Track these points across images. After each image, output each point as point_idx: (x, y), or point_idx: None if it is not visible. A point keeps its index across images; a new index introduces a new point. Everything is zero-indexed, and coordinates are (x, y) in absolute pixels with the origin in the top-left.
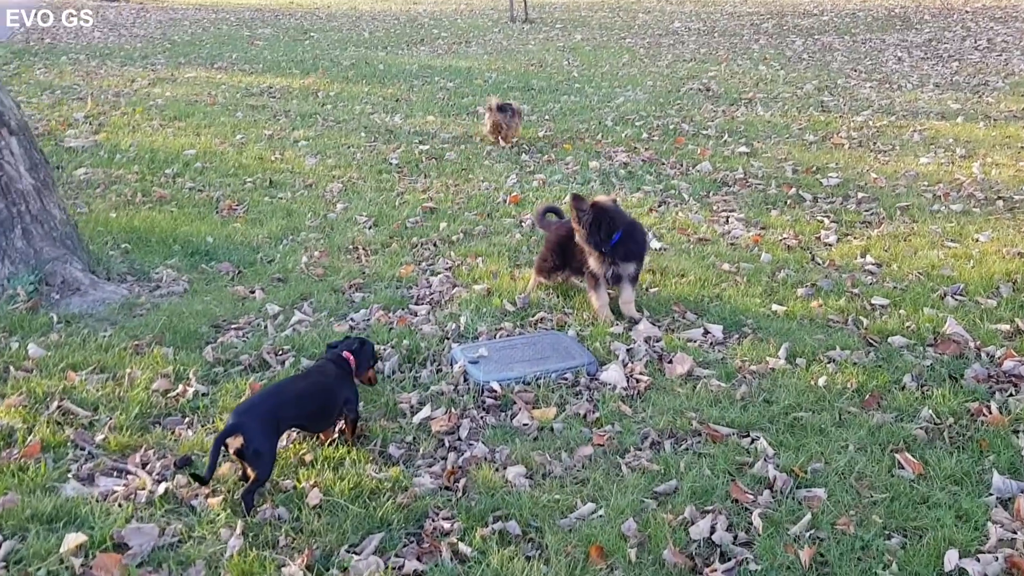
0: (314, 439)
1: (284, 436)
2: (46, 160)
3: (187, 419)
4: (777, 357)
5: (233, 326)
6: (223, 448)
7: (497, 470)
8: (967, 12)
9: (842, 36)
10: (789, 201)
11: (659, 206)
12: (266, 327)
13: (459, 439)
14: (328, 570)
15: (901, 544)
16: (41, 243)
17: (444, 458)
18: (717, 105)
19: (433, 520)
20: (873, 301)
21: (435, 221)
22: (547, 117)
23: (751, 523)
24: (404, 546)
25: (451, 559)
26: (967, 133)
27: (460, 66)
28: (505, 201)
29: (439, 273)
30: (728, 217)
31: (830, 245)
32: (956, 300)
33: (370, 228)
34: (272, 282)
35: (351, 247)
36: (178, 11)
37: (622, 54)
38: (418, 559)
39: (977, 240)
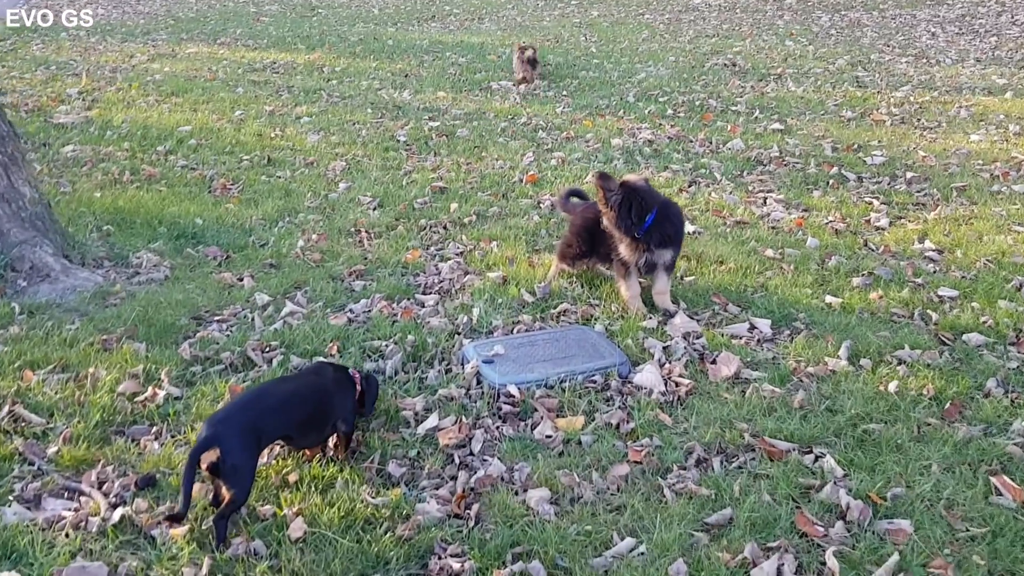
0: (299, 455)
1: (266, 451)
2: (15, 133)
3: (155, 428)
4: (837, 357)
5: (216, 318)
6: (197, 464)
7: (516, 493)
8: None
9: (870, 12)
10: (831, 181)
11: (689, 186)
12: (253, 319)
13: (471, 454)
14: None
15: None
16: (8, 224)
17: (453, 478)
18: (745, 81)
19: (440, 558)
20: (940, 292)
21: (445, 202)
22: (564, 93)
23: (823, 563)
24: None
25: None
26: (1019, 109)
27: (472, 41)
28: (521, 180)
29: (449, 259)
30: (766, 198)
31: (882, 229)
32: None
33: (374, 209)
34: (263, 268)
35: (353, 230)
36: None
37: (641, 30)
38: None
39: None
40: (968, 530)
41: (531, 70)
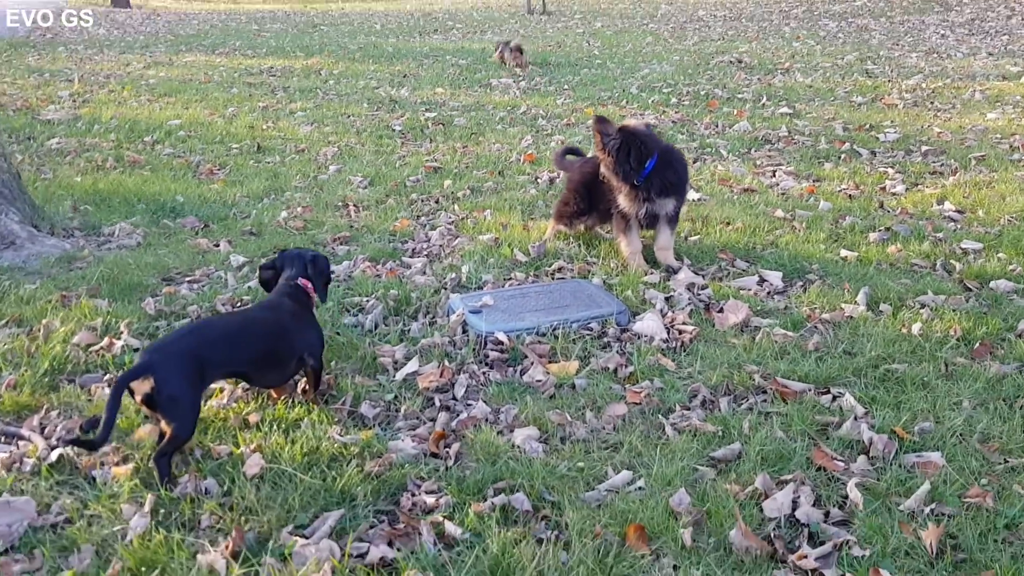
0: (264, 397)
1: (221, 389)
2: None
3: (107, 376)
4: (855, 303)
5: (188, 279)
6: (130, 395)
7: (501, 433)
8: None
9: (878, 19)
10: (843, 156)
11: (694, 162)
12: (226, 279)
13: (454, 398)
14: (260, 557)
15: None
16: None
17: (433, 420)
18: (751, 74)
19: (413, 495)
20: (963, 245)
21: (439, 179)
22: (566, 87)
23: (846, 496)
24: (371, 527)
25: (434, 543)
26: None
27: (473, 48)
28: (519, 159)
29: (439, 227)
30: (775, 171)
31: (898, 194)
32: None
33: (364, 188)
34: (242, 235)
35: (340, 204)
36: (189, 15)
37: (645, 36)
38: (388, 544)
39: None
40: (1007, 461)
41: (520, 56)
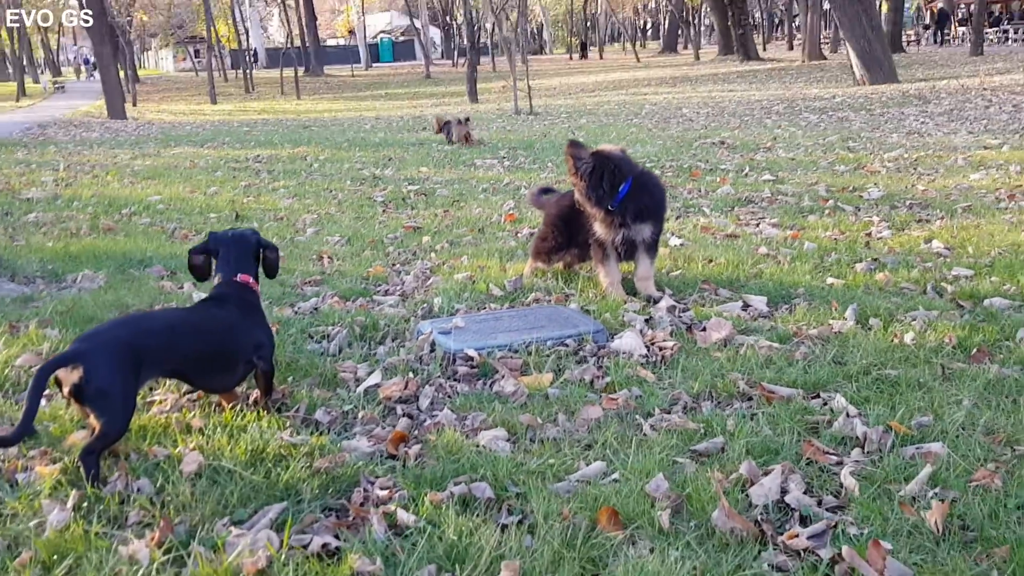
0: (211, 405)
1: (169, 398)
2: None
3: (48, 392)
4: (843, 319)
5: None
6: (57, 386)
7: (467, 436)
8: (985, 89)
9: (858, 111)
10: (827, 211)
11: (677, 218)
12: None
13: (418, 409)
14: (188, 546)
15: None
16: None
17: (393, 426)
18: (734, 152)
19: (365, 490)
20: (954, 272)
21: (417, 236)
22: (549, 163)
23: (841, 486)
24: (315, 522)
25: (385, 531)
26: (1018, 157)
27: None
28: (500, 219)
29: (414, 271)
30: (759, 223)
31: (884, 238)
32: None
33: (342, 245)
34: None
35: (315, 257)
36: (183, 123)
37: (629, 128)
38: (335, 536)
39: None
40: (1015, 450)
41: (464, 127)
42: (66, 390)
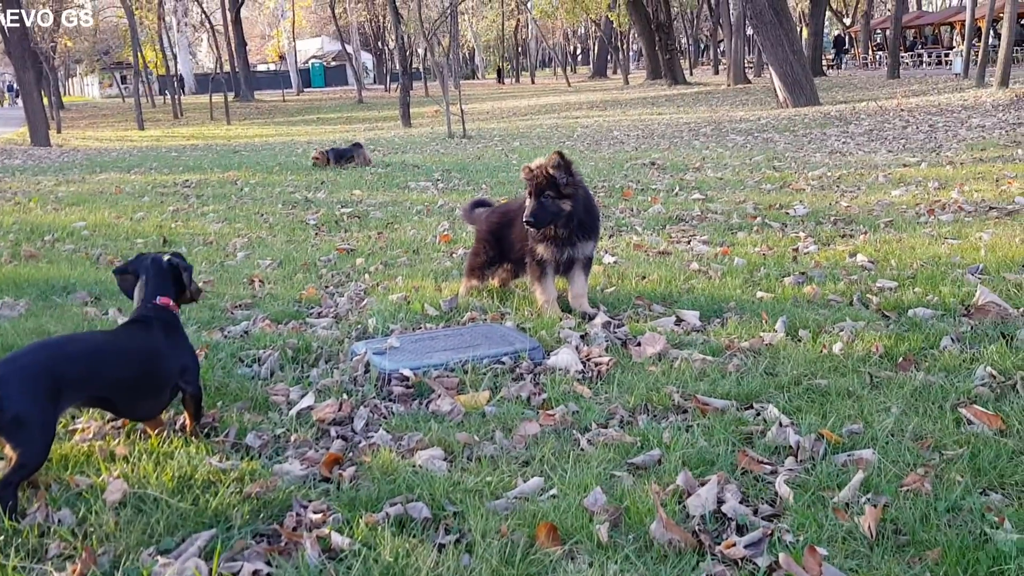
0: (136, 432)
1: (92, 426)
2: None
3: None
4: (774, 331)
5: None
6: None
7: (403, 456)
8: (902, 111)
9: (782, 133)
10: (755, 228)
11: (610, 237)
12: None
13: (352, 431)
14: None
15: (1005, 502)
16: None
17: (327, 448)
18: (664, 172)
19: (298, 514)
20: (879, 284)
21: (351, 259)
22: (483, 186)
23: (775, 495)
24: (245, 548)
25: (318, 555)
26: (935, 173)
27: (392, 160)
28: (435, 240)
29: (347, 293)
30: (690, 240)
31: (811, 253)
32: (978, 278)
33: (273, 269)
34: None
35: (246, 281)
36: (109, 150)
37: (561, 150)
38: (267, 562)
39: (981, 237)
40: (943, 455)
41: (323, 155)
42: None
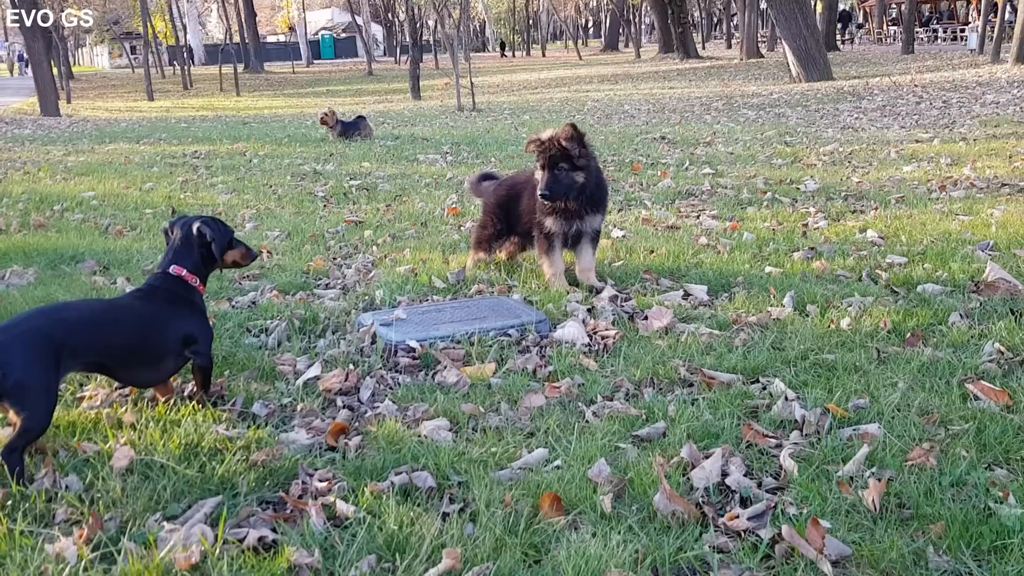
0: (144, 401)
1: (99, 394)
2: None
3: None
4: (781, 306)
5: None
6: None
7: (409, 426)
8: (916, 86)
9: (794, 108)
10: (765, 203)
11: (619, 211)
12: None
13: (359, 401)
14: (119, 542)
15: (1010, 477)
16: None
17: (333, 418)
18: (675, 147)
19: (303, 483)
20: (888, 260)
21: (359, 231)
22: (492, 160)
23: (780, 468)
24: (251, 515)
25: (323, 523)
26: (948, 150)
27: (402, 133)
28: (444, 213)
29: (355, 265)
30: (699, 215)
31: (821, 228)
32: (988, 254)
33: (281, 240)
34: (143, 273)
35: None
36: (119, 120)
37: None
38: (272, 529)
39: (992, 214)
40: (948, 430)
41: (332, 115)
42: None
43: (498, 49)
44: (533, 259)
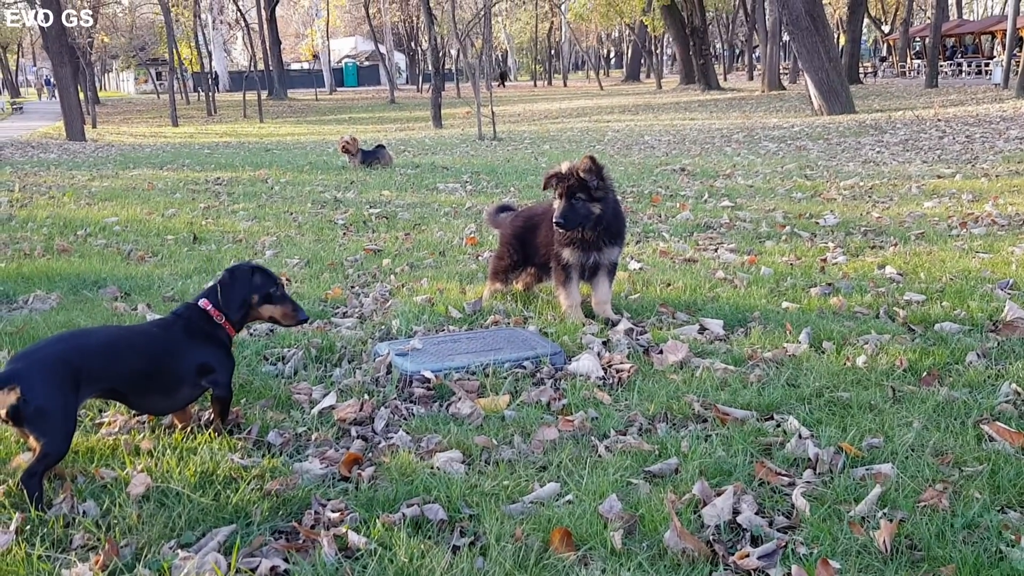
0: (161, 428)
1: (117, 420)
2: None
3: None
4: (797, 342)
5: None
6: None
7: (422, 458)
8: (939, 120)
9: (816, 141)
10: (784, 237)
11: (637, 242)
12: None
13: (373, 431)
14: (134, 569)
15: (1022, 520)
16: None
17: (347, 448)
18: (694, 179)
19: (316, 513)
20: (906, 297)
21: (378, 259)
22: (511, 189)
23: (792, 507)
24: (264, 544)
25: (335, 554)
26: (970, 186)
27: (422, 161)
28: (462, 242)
29: (373, 294)
30: (717, 248)
31: (839, 264)
32: (1008, 293)
33: (300, 268)
34: (163, 300)
35: None
36: (143, 145)
37: (591, 151)
38: (284, 559)
39: (1013, 252)
40: (962, 471)
41: (353, 143)
42: (3, 412)
43: (499, 80)
44: (549, 290)
